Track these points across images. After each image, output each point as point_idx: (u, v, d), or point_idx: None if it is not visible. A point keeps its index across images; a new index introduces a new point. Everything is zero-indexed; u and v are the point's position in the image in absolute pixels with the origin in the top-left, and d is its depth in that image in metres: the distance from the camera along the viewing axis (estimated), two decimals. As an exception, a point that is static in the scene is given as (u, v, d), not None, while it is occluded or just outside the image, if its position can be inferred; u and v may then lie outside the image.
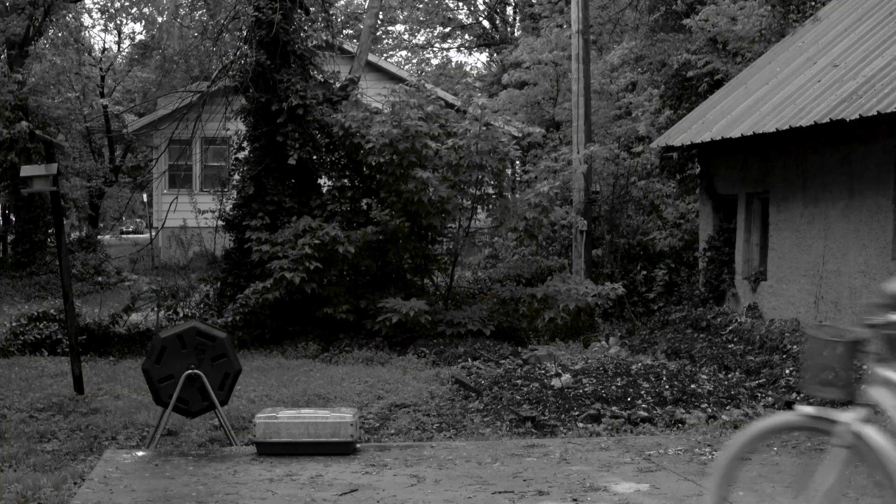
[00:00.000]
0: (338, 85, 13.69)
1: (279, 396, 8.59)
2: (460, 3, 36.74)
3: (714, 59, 16.05)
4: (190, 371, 6.74)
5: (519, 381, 8.99)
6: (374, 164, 12.19)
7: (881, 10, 11.42)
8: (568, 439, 7.01)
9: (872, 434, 3.44)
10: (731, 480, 3.72)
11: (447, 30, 37.50)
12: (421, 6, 36.00)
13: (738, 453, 3.73)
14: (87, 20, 46.13)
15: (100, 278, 20.02)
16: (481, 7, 36.90)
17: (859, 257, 9.64)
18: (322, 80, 13.39)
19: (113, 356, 11.48)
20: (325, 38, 14.30)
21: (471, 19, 37.34)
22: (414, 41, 38.73)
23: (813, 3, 15.36)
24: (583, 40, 14.37)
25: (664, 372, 9.26)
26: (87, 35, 34.88)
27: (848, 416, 3.46)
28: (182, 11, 16.51)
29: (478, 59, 55.88)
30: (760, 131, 10.58)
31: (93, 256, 21.36)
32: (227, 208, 13.70)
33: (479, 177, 12.43)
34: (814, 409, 3.58)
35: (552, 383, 8.80)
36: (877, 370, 3.56)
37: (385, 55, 33.93)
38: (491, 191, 13.09)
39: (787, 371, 9.22)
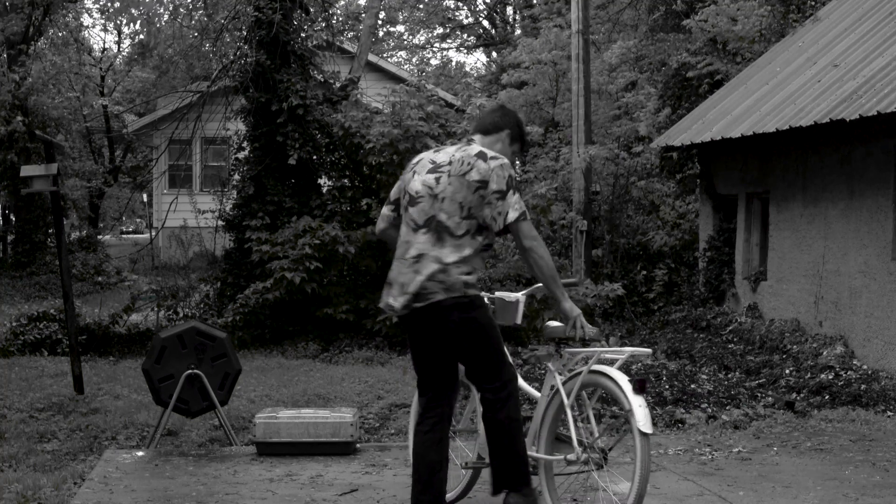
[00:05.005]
0: (338, 85, 13.69)
1: (279, 396, 8.59)
2: (460, 3, 36.74)
3: (714, 59, 16.04)
4: (190, 371, 6.74)
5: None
6: (374, 164, 12.18)
7: (881, 10, 11.42)
8: (568, 439, 7.01)
9: None
10: None
11: (447, 30, 37.50)
12: (421, 6, 35.99)
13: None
14: (86, 20, 46.11)
15: (100, 278, 20.02)
16: (481, 7, 36.90)
17: (859, 257, 9.64)
18: (322, 80, 13.39)
19: (113, 356, 11.47)
20: (325, 38, 14.31)
21: (471, 19, 37.34)
22: (414, 41, 38.74)
23: (813, 3, 15.37)
24: (583, 40, 14.36)
25: (664, 372, 9.26)
26: (87, 35, 34.89)
27: None
28: (182, 11, 16.51)
29: (477, 60, 55.88)
30: (760, 131, 10.57)
31: (93, 256, 21.35)
32: (227, 208, 13.70)
33: (479, 176, 12.41)
34: None
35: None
36: None
37: (385, 55, 33.92)
38: (491, 191, 13.07)
39: (787, 371, 9.22)
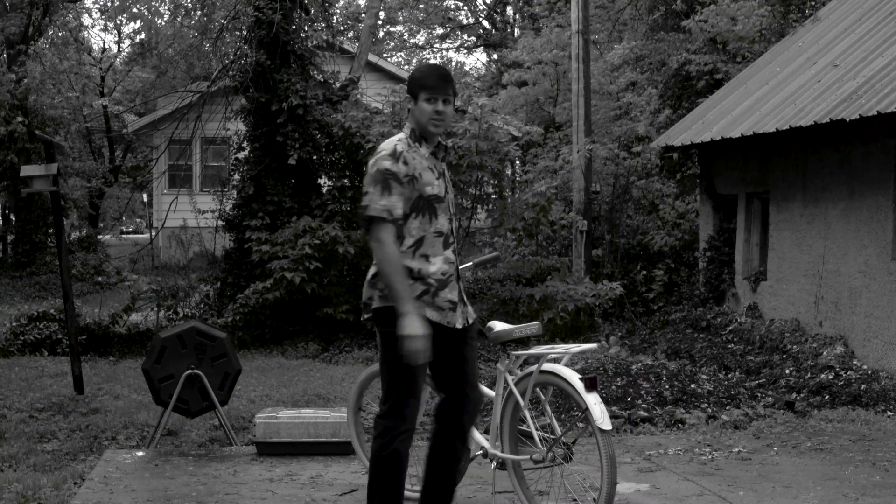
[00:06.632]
0: (338, 85, 13.70)
1: (279, 396, 8.59)
2: (460, 3, 36.73)
3: (714, 59, 16.05)
4: (190, 371, 6.74)
5: (519, 381, 8.99)
6: (374, 163, 12.20)
7: (881, 10, 11.42)
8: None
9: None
10: (357, 406, 5.63)
11: (447, 30, 37.48)
12: (421, 6, 35.98)
13: (357, 392, 5.60)
14: (86, 20, 46.10)
15: (100, 278, 20.03)
16: (481, 7, 36.89)
17: (859, 257, 9.64)
18: (322, 80, 13.40)
19: (113, 356, 11.48)
20: (325, 38, 14.32)
21: (471, 19, 37.33)
22: (414, 41, 38.72)
23: (813, 3, 15.37)
24: (583, 40, 14.36)
25: (664, 372, 9.26)
26: (87, 35, 34.89)
27: None
28: (182, 11, 16.53)
29: (477, 59, 55.87)
30: (760, 131, 10.57)
31: (93, 256, 21.36)
32: (227, 208, 13.71)
33: (479, 176, 12.41)
34: None
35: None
36: None
37: (385, 55, 33.91)
38: (490, 190, 13.08)
39: (787, 371, 9.22)
